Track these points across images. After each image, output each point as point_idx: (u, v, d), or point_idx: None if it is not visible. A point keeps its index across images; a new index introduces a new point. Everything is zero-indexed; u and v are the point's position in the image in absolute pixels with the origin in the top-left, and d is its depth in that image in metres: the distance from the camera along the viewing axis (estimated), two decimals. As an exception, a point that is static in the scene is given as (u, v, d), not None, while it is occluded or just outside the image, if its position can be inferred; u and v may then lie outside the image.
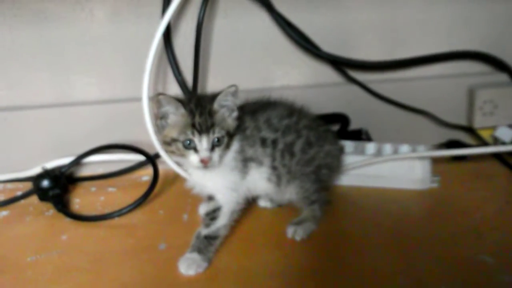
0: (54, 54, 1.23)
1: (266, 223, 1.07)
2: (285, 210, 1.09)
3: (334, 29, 1.28)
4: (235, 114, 0.97)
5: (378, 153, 1.21)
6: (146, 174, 1.27)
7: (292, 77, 1.31)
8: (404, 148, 1.20)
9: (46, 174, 1.15)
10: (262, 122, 1.02)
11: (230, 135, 0.96)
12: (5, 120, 1.23)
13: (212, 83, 1.28)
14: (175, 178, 1.23)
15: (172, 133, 0.94)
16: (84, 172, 1.28)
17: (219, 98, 0.94)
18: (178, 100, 0.94)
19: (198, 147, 0.93)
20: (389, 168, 1.17)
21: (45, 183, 1.13)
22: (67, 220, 1.10)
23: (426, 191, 1.16)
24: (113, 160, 1.25)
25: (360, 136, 1.28)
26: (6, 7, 1.18)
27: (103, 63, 1.25)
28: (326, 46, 1.27)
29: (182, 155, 0.95)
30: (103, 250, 1.00)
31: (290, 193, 1.05)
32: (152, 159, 1.18)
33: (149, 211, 1.13)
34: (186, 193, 1.05)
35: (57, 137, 1.25)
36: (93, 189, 1.23)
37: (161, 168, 1.17)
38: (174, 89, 1.26)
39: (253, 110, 1.04)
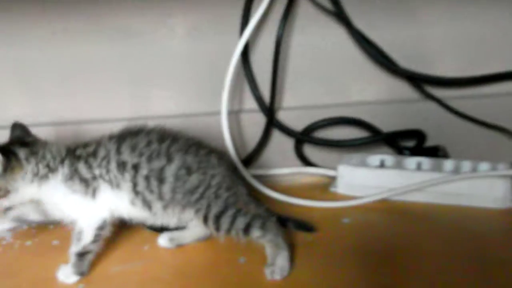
0: (134, 69, 1.27)
1: (349, 239, 1.06)
2: (364, 224, 1.08)
3: (412, 45, 1.27)
4: None
5: (456, 170, 1.19)
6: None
7: (368, 92, 1.30)
8: (484, 166, 1.18)
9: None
10: (126, 146, 0.98)
11: None
12: (87, 133, 1.26)
13: (288, 99, 1.29)
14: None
15: None
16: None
17: None
18: None
19: None
20: (468, 185, 1.14)
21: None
22: (147, 231, 1.12)
23: (507, 210, 1.14)
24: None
25: (436, 153, 1.26)
26: (91, 23, 1.22)
27: (181, 77, 1.28)
28: (403, 62, 1.26)
29: None
30: (184, 262, 1.01)
31: (184, 220, 1.02)
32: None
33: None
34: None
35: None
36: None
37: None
38: (251, 104, 1.27)
39: (122, 135, 1.01)
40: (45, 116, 1.28)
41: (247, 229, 0.95)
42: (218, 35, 1.24)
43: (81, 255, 0.98)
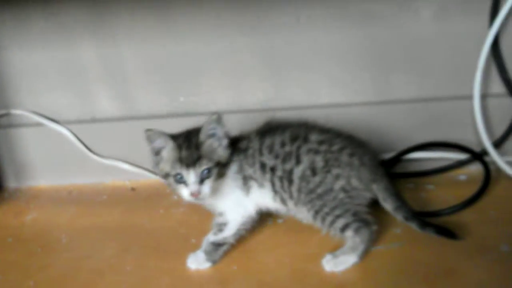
0: (376, 53, 1.27)
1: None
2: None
3: None
4: (225, 142, 1.01)
5: None
6: (462, 173, 1.25)
7: None
8: None
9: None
10: (265, 146, 1.03)
11: (223, 165, 1.00)
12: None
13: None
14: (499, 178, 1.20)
15: (166, 167, 1.00)
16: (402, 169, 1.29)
17: (204, 128, 0.99)
18: (167, 134, 0.99)
19: (187, 181, 0.97)
20: None
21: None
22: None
23: None
24: (432, 158, 1.26)
25: None
26: (336, 7, 1.24)
27: (424, 62, 1.26)
28: None
29: (175, 189, 1.00)
30: (443, 244, 1.00)
31: (305, 216, 1.04)
32: (480, 157, 1.19)
33: (478, 210, 1.11)
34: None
35: (377, 134, 1.28)
36: (411, 185, 1.24)
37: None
38: (498, 88, 1.22)
39: (263, 131, 1.05)
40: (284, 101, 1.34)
41: (343, 229, 0.99)
42: (466, 16, 1.20)
43: (218, 245, 1.05)
